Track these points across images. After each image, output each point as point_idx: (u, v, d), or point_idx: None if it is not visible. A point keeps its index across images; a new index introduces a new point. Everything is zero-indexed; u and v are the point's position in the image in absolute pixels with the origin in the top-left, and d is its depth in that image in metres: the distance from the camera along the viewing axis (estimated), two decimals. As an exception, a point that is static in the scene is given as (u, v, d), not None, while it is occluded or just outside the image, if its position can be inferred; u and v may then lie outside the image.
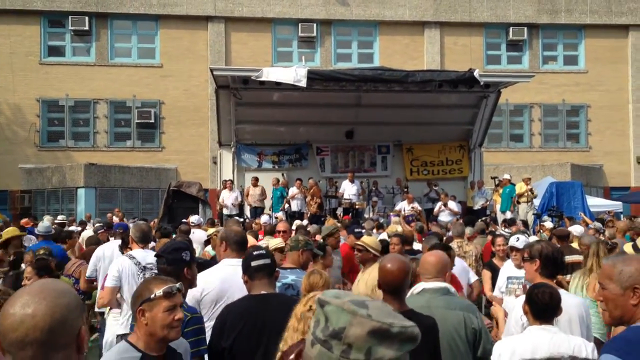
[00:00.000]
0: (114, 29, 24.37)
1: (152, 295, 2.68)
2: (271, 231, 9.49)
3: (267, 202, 16.47)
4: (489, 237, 10.16)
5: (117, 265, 5.36)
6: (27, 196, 22.43)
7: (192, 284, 3.63)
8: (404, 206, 15.92)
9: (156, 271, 4.06)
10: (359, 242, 5.86)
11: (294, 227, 9.95)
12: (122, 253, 6.62)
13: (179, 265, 3.54)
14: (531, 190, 15.97)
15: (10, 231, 8.36)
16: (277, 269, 3.70)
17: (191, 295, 3.92)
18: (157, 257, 3.78)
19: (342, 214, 15.66)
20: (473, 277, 6.68)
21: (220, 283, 3.98)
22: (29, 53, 23.70)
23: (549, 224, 12.41)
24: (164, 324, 2.66)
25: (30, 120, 23.50)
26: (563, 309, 3.34)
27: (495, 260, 7.03)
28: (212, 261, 5.35)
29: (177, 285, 2.77)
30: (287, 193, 16.44)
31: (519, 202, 15.92)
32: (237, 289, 3.77)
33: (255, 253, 3.56)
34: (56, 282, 1.72)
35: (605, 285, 2.40)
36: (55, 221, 14.85)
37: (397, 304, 3.22)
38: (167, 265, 3.57)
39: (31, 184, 22.62)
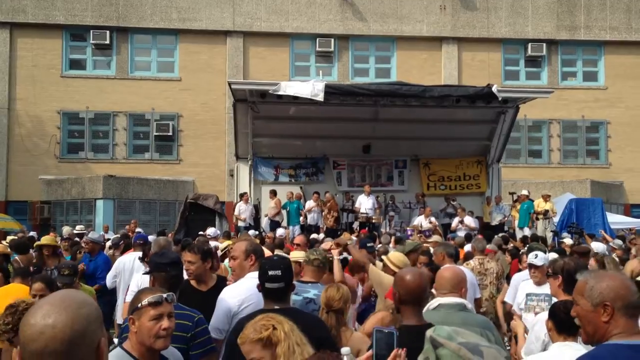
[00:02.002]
0: (134, 43, 24.70)
1: (140, 304, 2.76)
2: (280, 244, 9.49)
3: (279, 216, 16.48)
4: (507, 255, 10.07)
5: (136, 281, 5.47)
6: (47, 207, 22.66)
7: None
8: (421, 221, 15.84)
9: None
10: (383, 258, 5.84)
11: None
12: (143, 263, 6.68)
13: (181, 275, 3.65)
14: (552, 209, 15.80)
15: (48, 239, 8.64)
16: (293, 283, 3.68)
17: (227, 309, 3.91)
18: (161, 265, 3.82)
19: (358, 228, 15.61)
20: (478, 293, 6.62)
21: (258, 297, 3.92)
22: (51, 66, 24.07)
23: (568, 241, 12.25)
24: (150, 333, 2.71)
25: (50, 132, 23.81)
26: None
27: None
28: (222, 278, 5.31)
29: (166, 295, 2.82)
30: (303, 206, 16.44)
31: (537, 219, 15.75)
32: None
33: (271, 274, 3.48)
34: (77, 292, 1.72)
35: (577, 301, 2.38)
36: (74, 231, 15.01)
37: (415, 317, 3.19)
38: (176, 273, 3.67)
39: (51, 195, 22.87)
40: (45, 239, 8.69)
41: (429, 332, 1.44)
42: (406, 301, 3.23)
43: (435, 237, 11.85)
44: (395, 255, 5.92)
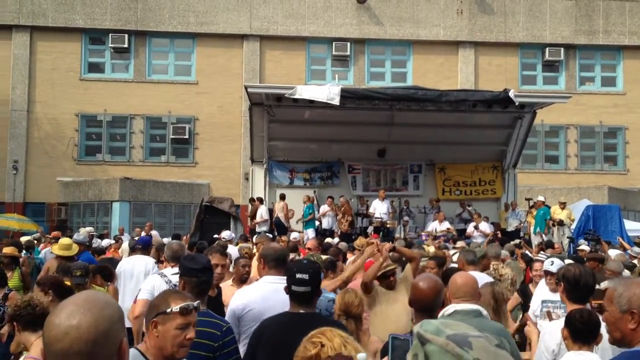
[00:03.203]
0: (152, 47, 24.92)
1: (169, 310, 2.62)
2: (294, 248, 9.51)
3: (293, 220, 16.49)
4: (521, 261, 9.99)
5: (151, 281, 5.48)
6: (64, 209, 22.89)
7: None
8: (435, 226, 15.78)
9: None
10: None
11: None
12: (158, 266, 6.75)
13: (211, 279, 3.64)
14: (569, 216, 15.66)
15: (65, 246, 8.75)
16: (320, 289, 3.63)
17: (232, 312, 3.96)
18: (190, 270, 3.79)
19: (372, 233, 15.58)
20: None
21: (262, 301, 3.96)
22: (70, 69, 24.36)
23: (585, 248, 12.14)
24: (174, 341, 2.60)
25: (69, 135, 24.07)
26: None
27: (531, 286, 6.78)
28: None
29: (195, 303, 2.72)
30: (316, 210, 16.43)
31: (553, 225, 15.62)
32: (279, 308, 3.74)
33: (298, 277, 3.44)
34: (100, 293, 1.75)
35: (606, 307, 2.41)
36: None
37: None
38: (204, 276, 3.66)
39: (68, 196, 23.10)
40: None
41: (416, 328, 1.42)
42: (420, 308, 3.24)
43: (461, 243, 11.78)
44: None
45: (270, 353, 3.30)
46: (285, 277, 3.95)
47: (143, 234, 16.24)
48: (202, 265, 3.73)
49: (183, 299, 2.68)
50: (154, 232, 16.30)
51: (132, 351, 2.68)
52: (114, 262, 8.34)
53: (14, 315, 3.86)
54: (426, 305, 3.23)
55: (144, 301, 5.35)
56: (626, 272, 7.96)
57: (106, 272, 6.92)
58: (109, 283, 6.89)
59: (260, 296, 4.00)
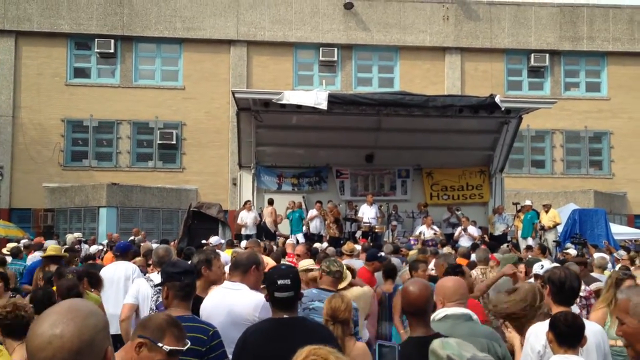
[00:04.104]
0: (138, 52, 24.81)
1: (160, 344, 2.58)
2: (283, 253, 9.50)
3: (282, 225, 16.49)
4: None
5: (136, 286, 5.62)
6: (50, 215, 22.70)
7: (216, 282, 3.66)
8: (423, 230, 15.82)
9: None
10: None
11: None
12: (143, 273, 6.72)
13: (193, 284, 3.66)
14: (554, 218, 15.73)
15: (56, 249, 8.74)
16: (301, 291, 3.69)
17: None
18: (172, 274, 3.73)
19: (360, 238, 15.59)
20: None
21: (209, 309, 4.05)
22: (55, 74, 24.18)
23: (572, 252, 12.22)
24: None
25: (54, 140, 23.88)
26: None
27: None
28: None
29: (185, 347, 2.68)
30: (305, 215, 16.42)
31: (543, 229, 15.64)
32: (220, 316, 3.89)
33: (280, 283, 3.46)
34: (84, 302, 1.73)
35: (623, 320, 2.34)
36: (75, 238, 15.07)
37: (422, 328, 3.20)
38: (188, 280, 3.65)
39: (54, 202, 22.91)
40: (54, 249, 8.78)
41: (439, 350, 1.43)
42: (411, 313, 3.25)
43: (447, 249, 11.83)
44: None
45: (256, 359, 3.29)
46: (237, 284, 4.08)
47: (132, 237, 16.16)
48: (183, 269, 3.72)
49: (178, 340, 2.64)
50: (139, 238, 16.20)
51: None
52: (97, 268, 8.25)
53: None
54: (420, 310, 3.23)
55: (129, 305, 5.50)
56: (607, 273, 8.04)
57: (94, 279, 6.83)
58: (92, 289, 6.80)
59: (210, 302, 4.10)
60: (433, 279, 6.52)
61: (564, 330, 3.21)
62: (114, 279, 7.16)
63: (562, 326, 3.22)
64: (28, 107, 23.91)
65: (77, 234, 17.02)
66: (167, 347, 2.57)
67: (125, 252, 7.80)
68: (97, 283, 6.78)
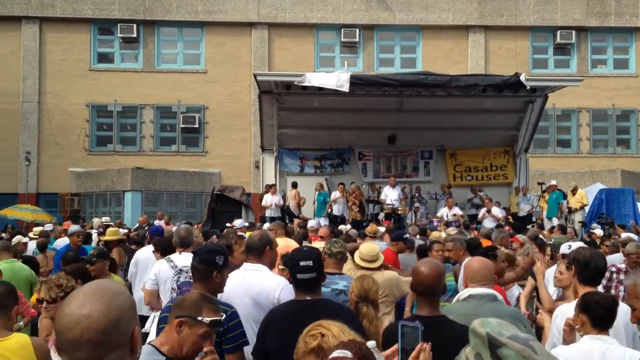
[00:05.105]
0: (160, 36, 24.91)
1: (200, 318, 2.71)
2: (305, 235, 9.52)
3: (305, 207, 16.52)
4: (534, 245, 9.93)
5: (154, 269, 5.56)
6: (77, 199, 23.08)
7: (219, 288, 3.65)
8: (445, 212, 15.74)
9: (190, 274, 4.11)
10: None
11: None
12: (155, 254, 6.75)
13: (209, 267, 3.58)
14: (581, 199, 15.51)
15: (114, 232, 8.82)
16: (324, 273, 3.68)
17: None
18: (193, 254, 3.85)
19: (383, 220, 15.56)
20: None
21: (229, 290, 3.97)
22: (79, 60, 24.42)
23: (599, 232, 12.05)
24: (193, 347, 2.68)
25: (80, 125, 24.19)
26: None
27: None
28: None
29: (222, 317, 2.82)
30: (329, 197, 16.44)
31: (570, 211, 15.43)
32: (240, 296, 3.88)
33: (302, 264, 3.47)
34: (111, 282, 1.75)
35: (635, 305, 2.30)
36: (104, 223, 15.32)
37: (429, 308, 3.20)
38: (199, 264, 3.63)
39: (80, 187, 23.27)
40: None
41: (479, 328, 1.41)
42: (420, 292, 3.25)
43: (450, 229, 11.73)
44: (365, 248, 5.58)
45: (279, 342, 3.30)
46: (258, 265, 4.07)
47: (158, 222, 16.36)
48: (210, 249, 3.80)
49: (215, 312, 2.78)
50: (161, 222, 16.38)
51: (147, 347, 2.73)
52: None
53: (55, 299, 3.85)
54: (428, 289, 3.23)
55: (149, 291, 5.46)
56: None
57: (111, 263, 6.88)
58: (110, 273, 6.86)
59: (230, 283, 3.99)
60: (446, 260, 6.51)
61: (599, 313, 3.16)
62: (149, 262, 7.24)
63: (600, 310, 3.16)
64: (53, 92, 24.21)
65: (105, 218, 17.28)
66: (207, 319, 2.71)
67: (160, 235, 7.95)
68: (113, 268, 6.84)
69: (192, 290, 3.61)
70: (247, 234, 9.80)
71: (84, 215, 21.65)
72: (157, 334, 3.72)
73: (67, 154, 23.90)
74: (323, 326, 2.23)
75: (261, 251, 4.20)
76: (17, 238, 10.21)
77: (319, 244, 6.20)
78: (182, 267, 5.28)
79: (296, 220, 13.92)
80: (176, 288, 5.18)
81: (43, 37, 24.31)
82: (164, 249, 6.48)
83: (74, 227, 9.19)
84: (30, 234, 12.61)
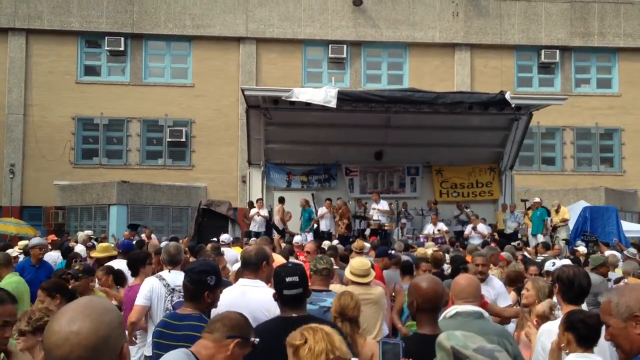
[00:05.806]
0: (148, 50, 24.90)
1: (252, 339, 2.86)
2: (291, 251, 9.51)
3: (291, 223, 16.50)
4: (520, 263, 9.99)
5: (148, 285, 5.27)
6: (61, 212, 22.83)
7: (211, 307, 3.65)
8: (431, 228, 15.81)
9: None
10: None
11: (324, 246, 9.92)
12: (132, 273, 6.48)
13: (201, 288, 3.57)
14: (563, 216, 15.66)
15: (106, 248, 8.55)
16: (309, 290, 3.67)
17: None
18: (184, 272, 3.84)
19: (370, 235, 15.57)
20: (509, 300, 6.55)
21: (226, 306, 3.91)
22: (66, 72, 24.31)
23: (583, 249, 12.16)
24: None
25: (65, 138, 24.02)
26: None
27: None
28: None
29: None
30: (315, 213, 16.44)
31: (555, 229, 15.54)
32: (241, 310, 3.80)
33: (288, 280, 3.44)
34: (99, 299, 1.75)
35: (608, 322, 2.34)
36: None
37: (430, 326, 3.20)
38: (190, 284, 3.61)
39: (65, 200, 23.04)
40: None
41: (444, 341, 1.43)
42: (423, 309, 3.23)
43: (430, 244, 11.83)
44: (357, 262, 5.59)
45: (264, 358, 3.28)
46: (255, 280, 4.04)
47: (143, 236, 16.21)
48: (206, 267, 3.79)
49: (253, 332, 2.95)
50: (153, 236, 16.28)
51: (185, 352, 2.77)
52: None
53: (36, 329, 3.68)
54: (430, 306, 3.23)
55: (140, 307, 5.18)
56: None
57: (120, 275, 6.78)
58: (118, 287, 6.72)
59: (227, 299, 3.95)
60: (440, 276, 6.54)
61: (584, 331, 3.19)
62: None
63: (584, 329, 3.19)
64: (39, 105, 24.05)
65: (88, 232, 17.12)
66: (256, 340, 2.88)
67: (128, 251, 7.81)
68: (122, 281, 6.74)
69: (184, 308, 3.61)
70: (234, 249, 9.77)
71: (69, 229, 21.41)
72: (153, 347, 3.68)
73: (52, 166, 23.69)
74: (315, 335, 2.26)
75: (258, 266, 4.16)
76: (11, 252, 10.03)
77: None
78: (175, 286, 5.15)
79: (277, 237, 13.94)
80: (170, 308, 5.01)
81: (29, 49, 24.19)
82: (133, 264, 6.26)
83: (35, 240, 8.96)
84: (16, 248, 12.43)
